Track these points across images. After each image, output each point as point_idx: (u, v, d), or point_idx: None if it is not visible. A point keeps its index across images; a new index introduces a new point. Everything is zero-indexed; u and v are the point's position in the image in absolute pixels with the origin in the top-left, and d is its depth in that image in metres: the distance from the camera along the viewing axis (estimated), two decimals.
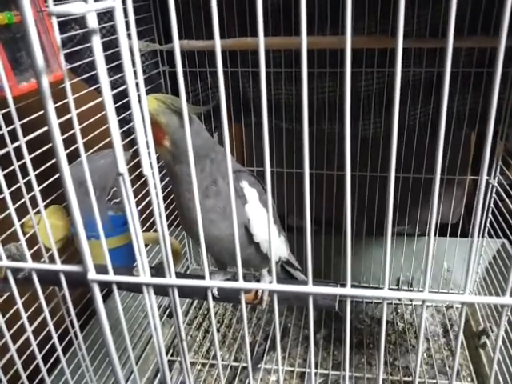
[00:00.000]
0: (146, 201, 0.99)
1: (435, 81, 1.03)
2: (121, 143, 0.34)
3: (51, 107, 0.34)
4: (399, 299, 1.31)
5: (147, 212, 1.03)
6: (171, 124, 0.55)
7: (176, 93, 1.20)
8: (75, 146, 0.40)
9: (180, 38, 1.07)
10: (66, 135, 0.52)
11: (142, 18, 1.09)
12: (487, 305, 1.13)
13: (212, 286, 0.37)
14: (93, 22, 0.30)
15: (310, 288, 0.36)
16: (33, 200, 0.74)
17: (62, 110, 0.77)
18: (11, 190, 0.68)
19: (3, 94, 0.69)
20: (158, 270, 0.45)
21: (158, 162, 0.40)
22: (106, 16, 1.01)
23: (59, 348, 0.58)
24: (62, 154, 0.36)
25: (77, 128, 0.39)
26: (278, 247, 0.67)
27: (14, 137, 0.68)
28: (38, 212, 0.79)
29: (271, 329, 1.25)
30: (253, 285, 0.38)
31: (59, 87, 0.74)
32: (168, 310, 1.27)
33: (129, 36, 0.31)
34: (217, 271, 0.69)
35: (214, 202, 0.58)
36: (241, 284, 0.37)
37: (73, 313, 0.59)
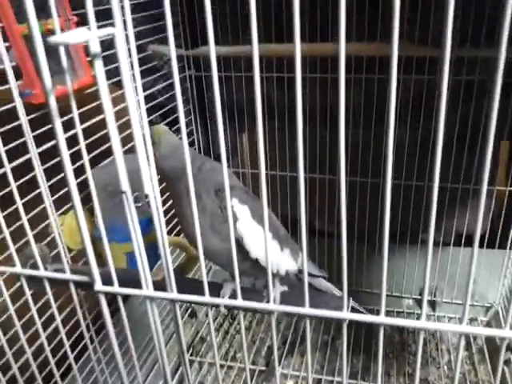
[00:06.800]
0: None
1: (463, 88, 1.01)
2: (123, 159, 0.35)
3: (58, 123, 0.36)
4: (420, 307, 1.29)
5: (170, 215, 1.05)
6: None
7: (201, 95, 1.21)
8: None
9: (205, 43, 1.08)
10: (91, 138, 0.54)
11: None
12: None
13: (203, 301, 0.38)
14: (95, 48, 0.31)
15: (307, 310, 0.36)
16: (57, 202, 0.77)
17: (90, 113, 0.80)
18: (31, 195, 0.71)
19: (30, 101, 0.72)
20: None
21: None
22: (134, 21, 1.04)
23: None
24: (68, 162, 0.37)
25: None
26: (281, 262, 0.67)
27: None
28: (62, 214, 0.83)
29: (290, 333, 1.26)
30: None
31: (87, 92, 0.76)
32: (189, 310, 1.29)
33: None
34: (230, 280, 0.70)
35: (201, 217, 0.59)
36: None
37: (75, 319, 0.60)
